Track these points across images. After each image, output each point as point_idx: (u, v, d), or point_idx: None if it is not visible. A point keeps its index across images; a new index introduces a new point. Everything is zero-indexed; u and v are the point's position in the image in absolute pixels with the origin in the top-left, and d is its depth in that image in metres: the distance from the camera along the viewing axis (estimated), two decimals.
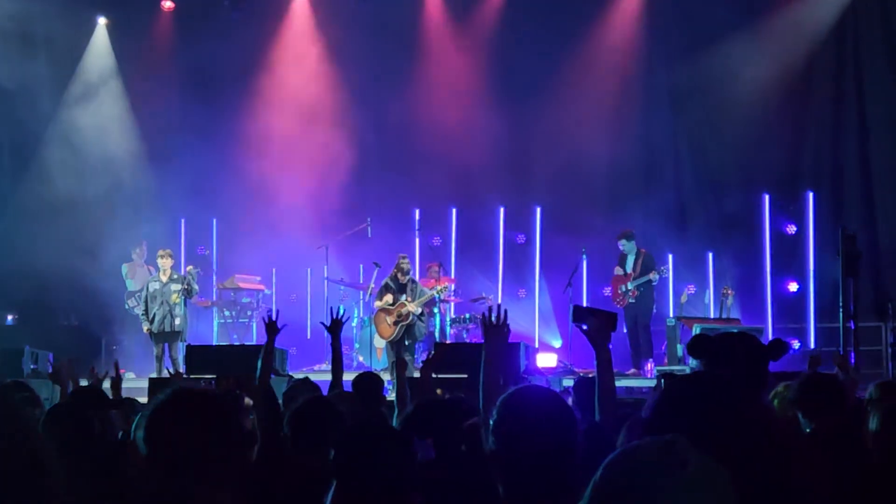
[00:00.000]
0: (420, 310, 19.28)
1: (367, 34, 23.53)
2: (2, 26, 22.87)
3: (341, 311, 9.61)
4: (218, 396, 3.89)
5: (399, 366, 12.14)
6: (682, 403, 2.88)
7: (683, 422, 2.73)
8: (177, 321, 19.47)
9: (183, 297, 19.55)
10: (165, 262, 19.75)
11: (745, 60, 21.86)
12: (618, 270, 20.31)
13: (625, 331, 19.60)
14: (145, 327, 19.61)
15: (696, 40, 22.18)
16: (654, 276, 19.75)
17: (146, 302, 19.57)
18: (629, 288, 19.84)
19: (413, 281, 19.62)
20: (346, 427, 5.22)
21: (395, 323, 19.15)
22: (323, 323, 9.59)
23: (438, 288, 19.77)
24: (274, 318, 8.79)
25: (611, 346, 5.91)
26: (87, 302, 22.33)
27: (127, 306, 21.22)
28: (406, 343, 19.18)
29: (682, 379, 3.21)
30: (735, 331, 5.58)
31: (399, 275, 19.43)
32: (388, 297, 19.40)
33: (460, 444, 5.43)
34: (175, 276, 19.70)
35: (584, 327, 5.88)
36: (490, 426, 4.07)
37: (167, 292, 19.47)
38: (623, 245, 20.11)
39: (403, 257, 19.66)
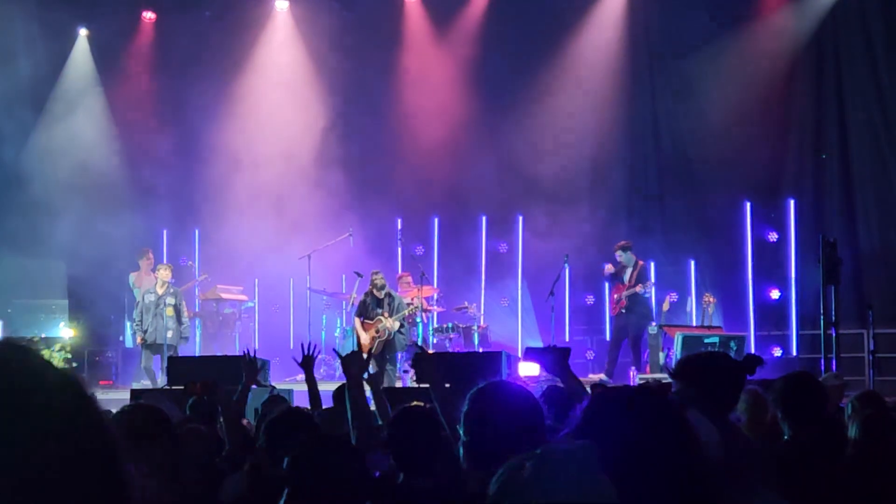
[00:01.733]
0: (399, 324, 19.24)
1: (348, 44, 23.58)
2: None
3: (313, 348, 9.44)
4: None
5: (372, 380, 12.05)
6: (601, 416, 2.93)
7: (599, 432, 2.79)
8: (169, 334, 19.60)
9: (175, 312, 19.76)
10: (164, 275, 19.89)
11: (727, 67, 21.93)
12: (609, 268, 20.35)
13: (608, 339, 19.63)
14: (138, 337, 19.67)
15: (679, 47, 22.27)
16: (639, 288, 19.78)
17: (140, 313, 19.66)
18: (622, 297, 19.89)
19: (390, 295, 19.56)
20: (301, 438, 5.26)
21: (373, 338, 19.14)
22: (294, 358, 9.31)
23: (411, 307, 19.73)
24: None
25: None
26: (74, 311, 22.34)
27: (134, 322, 21.06)
28: (387, 356, 19.16)
29: (603, 394, 3.25)
30: (707, 350, 5.71)
31: (374, 291, 19.43)
32: (357, 323, 19.44)
33: (438, 454, 5.46)
34: (171, 290, 19.87)
35: (544, 362, 5.99)
36: (461, 419, 4.17)
37: (162, 304, 19.54)
38: (620, 256, 20.11)
39: (376, 273, 19.62)
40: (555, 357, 5.90)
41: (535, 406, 4.21)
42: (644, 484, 2.71)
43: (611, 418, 2.86)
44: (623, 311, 19.84)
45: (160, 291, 19.78)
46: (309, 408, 8.81)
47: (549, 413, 4.64)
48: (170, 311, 19.71)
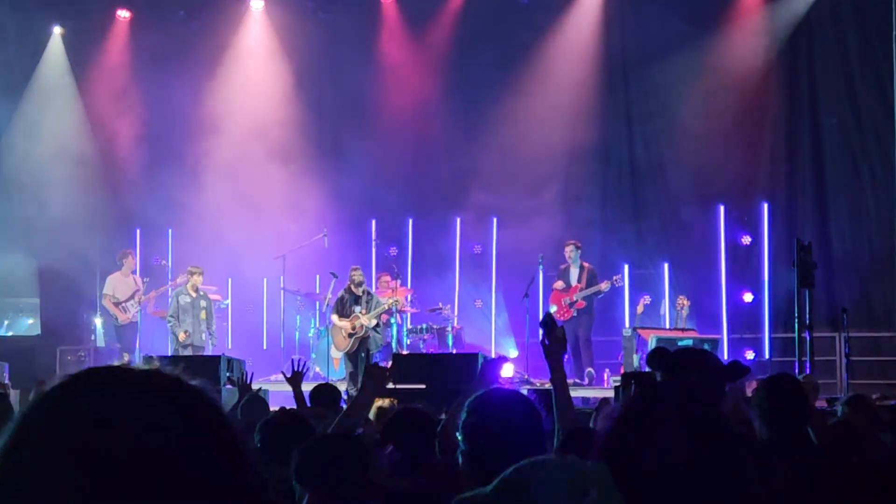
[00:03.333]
0: (375, 322, 19.23)
1: (323, 46, 23.57)
2: None
3: (302, 364, 9.38)
4: None
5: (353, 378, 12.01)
6: (649, 411, 2.90)
7: (648, 430, 2.76)
8: (202, 336, 19.96)
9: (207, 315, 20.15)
10: (197, 280, 20.11)
11: (701, 72, 22.02)
12: (559, 285, 20.42)
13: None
14: (180, 335, 19.91)
15: (652, 52, 22.32)
16: (605, 285, 19.84)
17: (177, 313, 19.98)
18: (575, 300, 19.94)
19: (368, 293, 19.58)
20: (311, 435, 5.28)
21: (350, 335, 19.13)
22: (283, 373, 9.29)
23: (390, 300, 19.73)
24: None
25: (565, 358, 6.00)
26: (45, 310, 22.29)
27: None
28: (362, 355, 19.15)
29: (651, 387, 3.24)
30: (691, 345, 5.73)
31: (353, 287, 19.43)
32: (334, 318, 19.44)
33: (432, 452, 5.49)
34: (203, 293, 20.16)
35: (546, 342, 5.94)
36: (459, 427, 4.18)
37: (197, 307, 19.67)
38: (570, 254, 20.16)
39: (355, 269, 19.65)
40: (561, 338, 5.89)
41: (534, 412, 4.23)
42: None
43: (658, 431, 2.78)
44: (575, 314, 19.92)
45: (193, 294, 19.90)
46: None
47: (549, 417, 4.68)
48: (203, 315, 19.99)
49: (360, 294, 19.34)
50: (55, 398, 1.52)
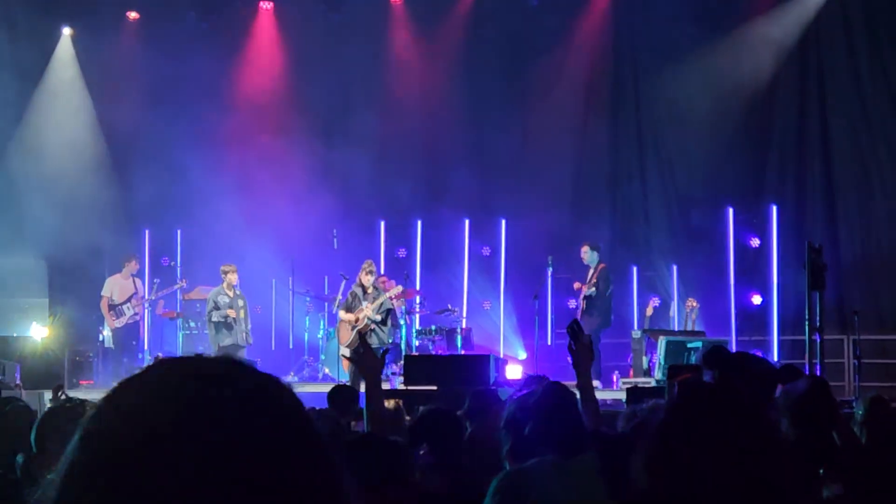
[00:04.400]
0: (379, 317, 19.12)
1: (333, 48, 23.60)
2: None
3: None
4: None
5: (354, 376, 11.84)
6: (699, 411, 2.92)
7: (698, 428, 2.78)
8: (242, 335, 19.82)
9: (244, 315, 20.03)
10: (232, 278, 19.97)
11: (711, 75, 22.01)
12: (577, 285, 20.35)
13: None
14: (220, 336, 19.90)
15: (663, 55, 22.33)
16: (589, 289, 19.64)
17: (211, 312, 19.91)
18: (579, 302, 19.93)
19: (376, 288, 19.48)
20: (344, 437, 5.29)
21: (353, 328, 19.09)
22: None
23: (391, 292, 19.59)
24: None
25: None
26: (54, 310, 22.28)
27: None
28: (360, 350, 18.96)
29: (699, 387, 3.26)
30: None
31: (363, 281, 19.28)
32: (341, 312, 19.40)
33: (460, 452, 5.51)
34: (239, 293, 20.02)
35: (573, 347, 5.97)
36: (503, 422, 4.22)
37: (235, 306, 19.64)
38: (585, 255, 20.08)
39: (368, 262, 19.53)
40: (588, 345, 5.92)
41: (574, 410, 4.26)
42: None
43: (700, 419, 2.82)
44: (582, 315, 19.83)
45: (231, 294, 19.86)
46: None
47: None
48: (242, 314, 19.91)
49: (370, 289, 19.24)
50: (135, 391, 1.48)
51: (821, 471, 5.33)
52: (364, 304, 19.13)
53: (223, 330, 19.81)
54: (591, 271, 19.94)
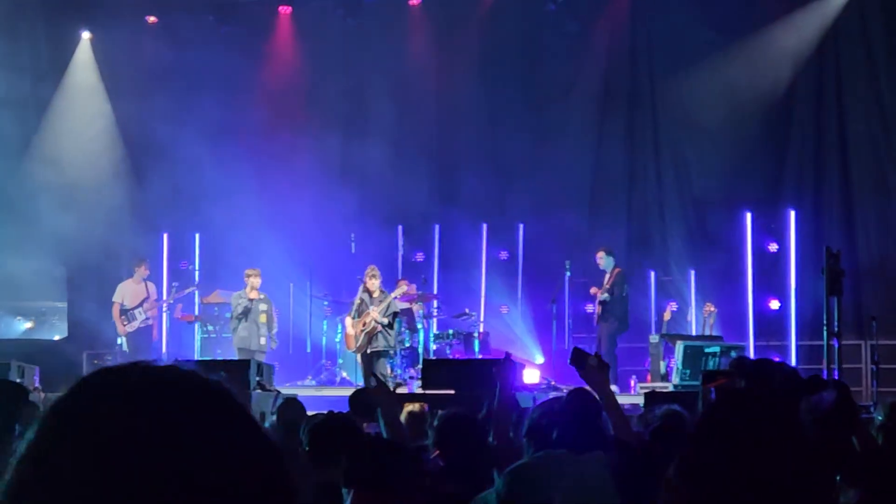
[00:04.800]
0: (386, 320, 19.11)
1: (351, 50, 23.68)
2: None
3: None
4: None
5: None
6: (732, 418, 2.94)
7: (731, 436, 2.80)
8: (262, 340, 19.84)
9: (267, 319, 20.05)
10: (255, 281, 20.00)
11: (728, 80, 22.02)
12: (593, 290, 20.35)
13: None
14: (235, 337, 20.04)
15: (680, 59, 22.33)
16: (603, 294, 19.65)
17: (236, 318, 19.96)
18: (595, 306, 19.94)
19: (382, 291, 19.44)
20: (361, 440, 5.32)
21: (360, 332, 19.10)
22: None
23: (396, 291, 19.56)
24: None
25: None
26: (72, 313, 22.39)
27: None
28: (367, 352, 19.01)
29: (736, 394, 3.29)
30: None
31: (368, 285, 19.29)
32: (347, 321, 19.42)
33: (481, 456, 5.54)
34: (262, 297, 20.03)
35: (581, 374, 5.99)
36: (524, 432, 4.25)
37: (255, 311, 19.63)
38: (601, 260, 20.09)
39: (371, 268, 19.53)
40: (596, 365, 5.92)
41: (597, 416, 4.28)
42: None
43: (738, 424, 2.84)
44: (599, 319, 19.84)
45: (252, 297, 19.87)
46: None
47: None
48: (263, 318, 19.92)
49: (375, 293, 19.24)
50: (71, 404, 1.46)
51: (837, 477, 5.34)
52: (371, 308, 19.14)
53: (242, 333, 19.86)
54: (608, 276, 19.94)
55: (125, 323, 20.86)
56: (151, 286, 21.33)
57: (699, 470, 2.73)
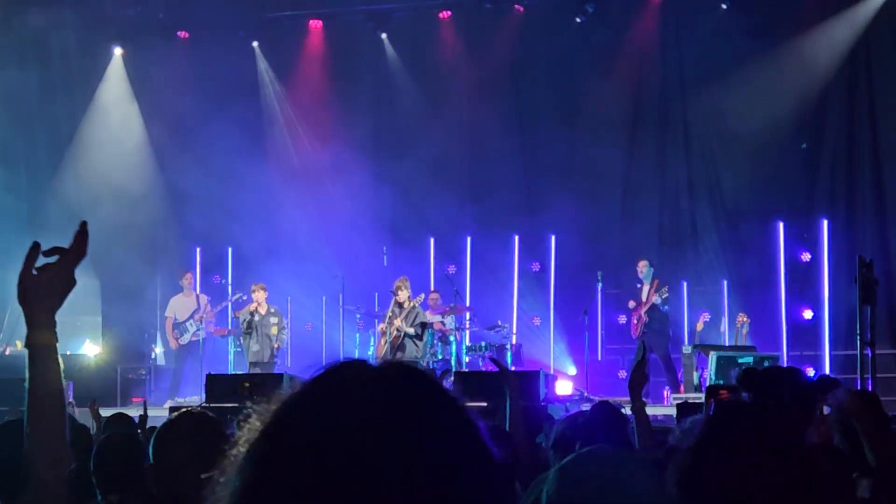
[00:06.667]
0: (412, 330, 19.17)
1: (381, 64, 23.73)
2: (21, 56, 23.03)
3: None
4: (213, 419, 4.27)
5: None
6: (728, 432, 2.95)
7: (729, 446, 2.81)
8: (260, 353, 20.03)
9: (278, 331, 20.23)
10: (259, 296, 20.18)
11: (760, 88, 21.95)
12: (631, 304, 20.35)
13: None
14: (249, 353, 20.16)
15: (712, 68, 22.25)
16: (656, 298, 19.71)
17: (245, 333, 20.17)
18: (641, 314, 19.91)
19: (414, 307, 19.47)
20: None
21: (386, 341, 19.17)
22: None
23: (418, 299, 19.61)
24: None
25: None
26: (106, 328, 22.52)
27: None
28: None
29: (733, 406, 3.29)
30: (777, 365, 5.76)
31: (400, 296, 19.37)
32: (381, 326, 19.52)
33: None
34: (272, 310, 20.26)
35: (628, 377, 6.01)
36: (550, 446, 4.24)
37: (266, 324, 19.73)
38: (642, 271, 20.12)
39: (401, 279, 19.61)
40: (641, 371, 5.94)
41: (622, 429, 4.29)
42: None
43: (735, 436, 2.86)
44: (644, 329, 19.81)
45: (262, 311, 19.98)
46: None
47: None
48: (274, 331, 20.13)
49: (405, 303, 19.31)
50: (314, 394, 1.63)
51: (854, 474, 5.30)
52: (397, 318, 19.23)
53: (253, 348, 20.00)
54: (648, 287, 19.94)
55: (177, 336, 21.04)
56: (203, 298, 21.50)
57: (696, 484, 2.74)
